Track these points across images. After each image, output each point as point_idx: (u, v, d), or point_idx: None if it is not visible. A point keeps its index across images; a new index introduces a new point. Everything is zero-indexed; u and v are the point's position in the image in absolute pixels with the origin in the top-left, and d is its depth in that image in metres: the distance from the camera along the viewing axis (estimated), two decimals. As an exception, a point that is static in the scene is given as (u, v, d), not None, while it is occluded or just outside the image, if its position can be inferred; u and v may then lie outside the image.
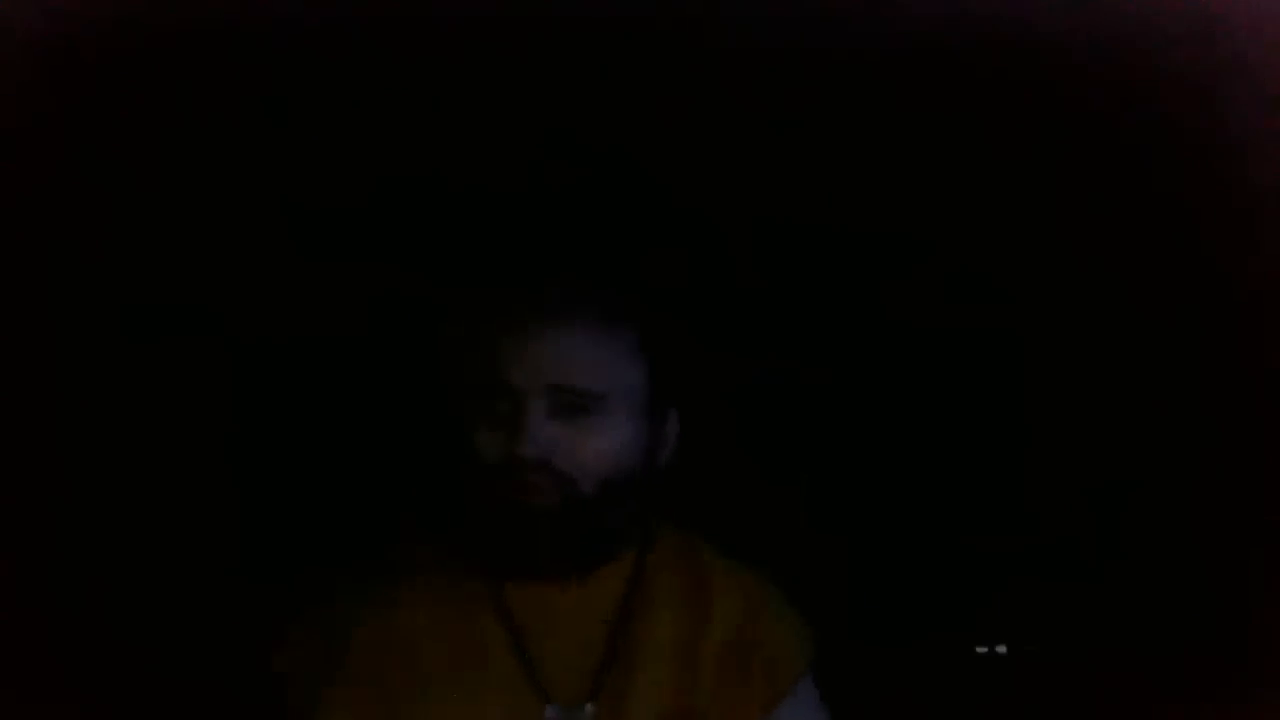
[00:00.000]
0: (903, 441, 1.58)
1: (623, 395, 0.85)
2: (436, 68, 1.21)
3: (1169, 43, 1.06)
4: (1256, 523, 1.21)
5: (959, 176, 1.36)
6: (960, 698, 1.48)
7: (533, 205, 1.35)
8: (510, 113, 1.28)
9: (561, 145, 1.32)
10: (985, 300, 1.51)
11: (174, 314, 1.38)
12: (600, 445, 0.83)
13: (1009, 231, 1.41)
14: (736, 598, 0.91)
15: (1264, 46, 1.04)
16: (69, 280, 1.25)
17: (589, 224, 1.33)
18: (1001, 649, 1.54)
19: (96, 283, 1.29)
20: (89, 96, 1.12)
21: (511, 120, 1.29)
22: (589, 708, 0.83)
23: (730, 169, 1.39)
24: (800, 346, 1.50)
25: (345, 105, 1.25)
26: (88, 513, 1.30)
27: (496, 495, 0.82)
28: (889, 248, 1.50)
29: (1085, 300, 1.43)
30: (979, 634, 1.55)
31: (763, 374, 1.49)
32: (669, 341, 0.89)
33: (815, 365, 1.52)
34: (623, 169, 1.36)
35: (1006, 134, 1.28)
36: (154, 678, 1.24)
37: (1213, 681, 1.17)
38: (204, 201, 1.33)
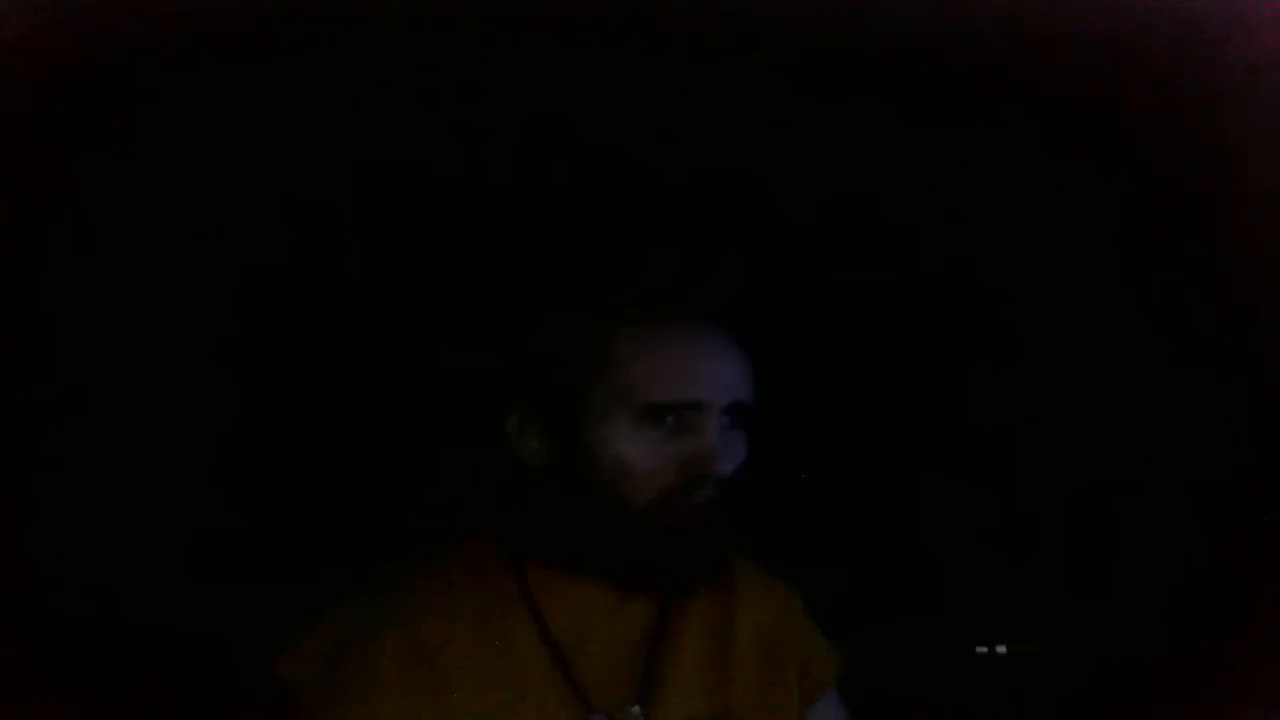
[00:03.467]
0: (900, 441, 1.58)
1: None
2: (452, 68, 1.21)
3: (1170, 42, 1.06)
4: (1255, 522, 1.21)
5: (957, 174, 1.36)
6: (960, 696, 1.48)
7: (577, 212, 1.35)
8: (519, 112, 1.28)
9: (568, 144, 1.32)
10: (985, 300, 1.51)
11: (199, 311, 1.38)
12: (742, 455, 0.85)
13: (1008, 230, 1.41)
14: (766, 606, 0.92)
15: (1264, 46, 1.04)
16: (69, 280, 1.24)
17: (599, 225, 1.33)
18: (1001, 649, 1.54)
19: (97, 282, 1.29)
20: (87, 95, 1.12)
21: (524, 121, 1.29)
22: (636, 710, 0.83)
23: (729, 165, 1.39)
24: (793, 343, 1.50)
25: (350, 104, 1.25)
26: (112, 513, 1.30)
27: (667, 510, 0.82)
28: (886, 245, 1.49)
29: (1084, 300, 1.43)
30: (979, 634, 1.55)
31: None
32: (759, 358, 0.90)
33: (809, 363, 1.52)
34: (620, 165, 1.36)
35: (1006, 132, 1.28)
36: (164, 682, 1.24)
37: (1212, 682, 1.17)
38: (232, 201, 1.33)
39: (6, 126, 1.05)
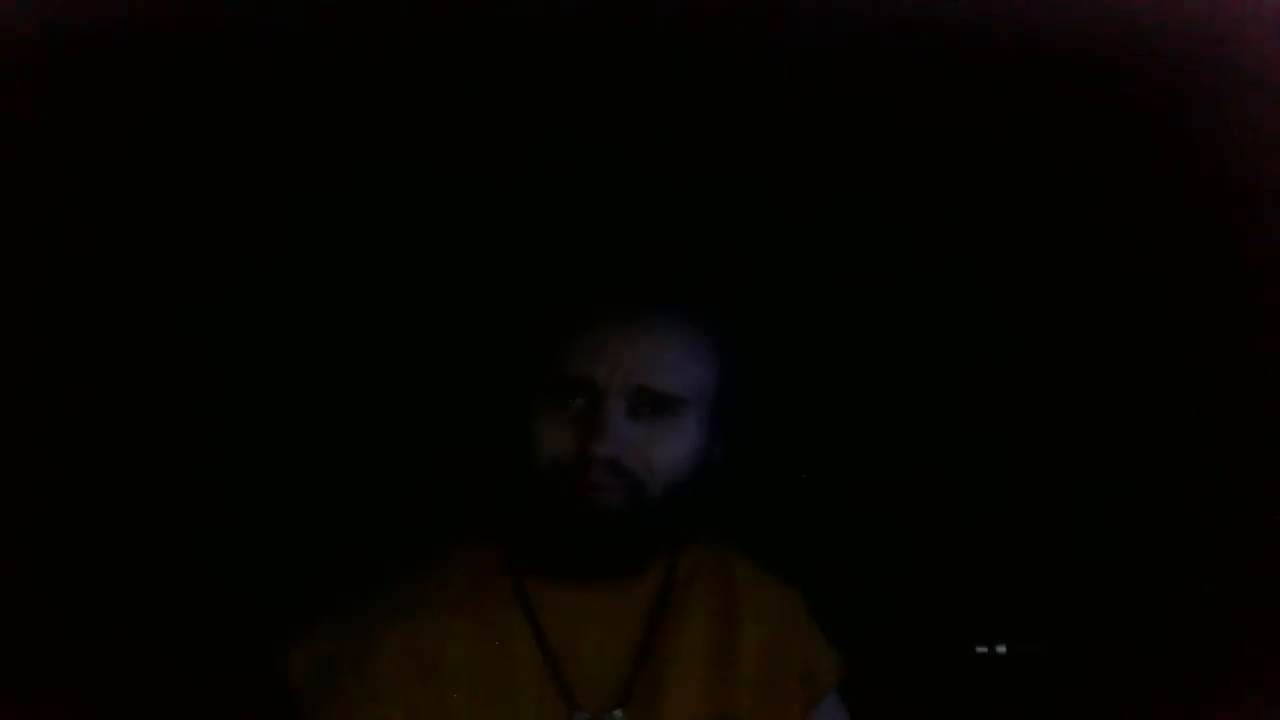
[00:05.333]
0: (898, 439, 1.58)
1: (697, 402, 0.85)
2: (444, 62, 1.21)
3: (1169, 42, 1.06)
4: (1255, 521, 1.21)
5: (956, 174, 1.36)
6: (960, 698, 1.48)
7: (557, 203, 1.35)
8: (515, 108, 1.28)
9: (563, 142, 1.32)
10: (985, 300, 1.51)
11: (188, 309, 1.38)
12: (673, 449, 0.84)
13: (1007, 231, 1.41)
14: (768, 607, 0.92)
15: (1264, 46, 1.04)
16: (68, 279, 1.24)
17: (592, 222, 1.33)
18: (1001, 649, 1.54)
19: (96, 281, 1.28)
20: (88, 93, 1.12)
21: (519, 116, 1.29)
22: (618, 714, 0.83)
23: (728, 165, 1.39)
24: (792, 340, 1.50)
25: (348, 100, 1.25)
26: (111, 513, 1.30)
27: (562, 493, 0.82)
28: (885, 245, 1.49)
29: (1084, 300, 1.43)
30: (979, 634, 1.55)
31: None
32: (736, 354, 0.90)
33: (808, 361, 1.52)
34: (618, 164, 1.36)
35: (1004, 132, 1.28)
36: (157, 683, 1.24)
37: (1213, 682, 1.17)
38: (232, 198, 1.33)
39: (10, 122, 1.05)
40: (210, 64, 1.14)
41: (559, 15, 1.10)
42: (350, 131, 1.29)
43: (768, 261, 1.44)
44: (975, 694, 1.50)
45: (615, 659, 0.85)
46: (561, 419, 0.83)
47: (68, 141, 1.15)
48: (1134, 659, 1.37)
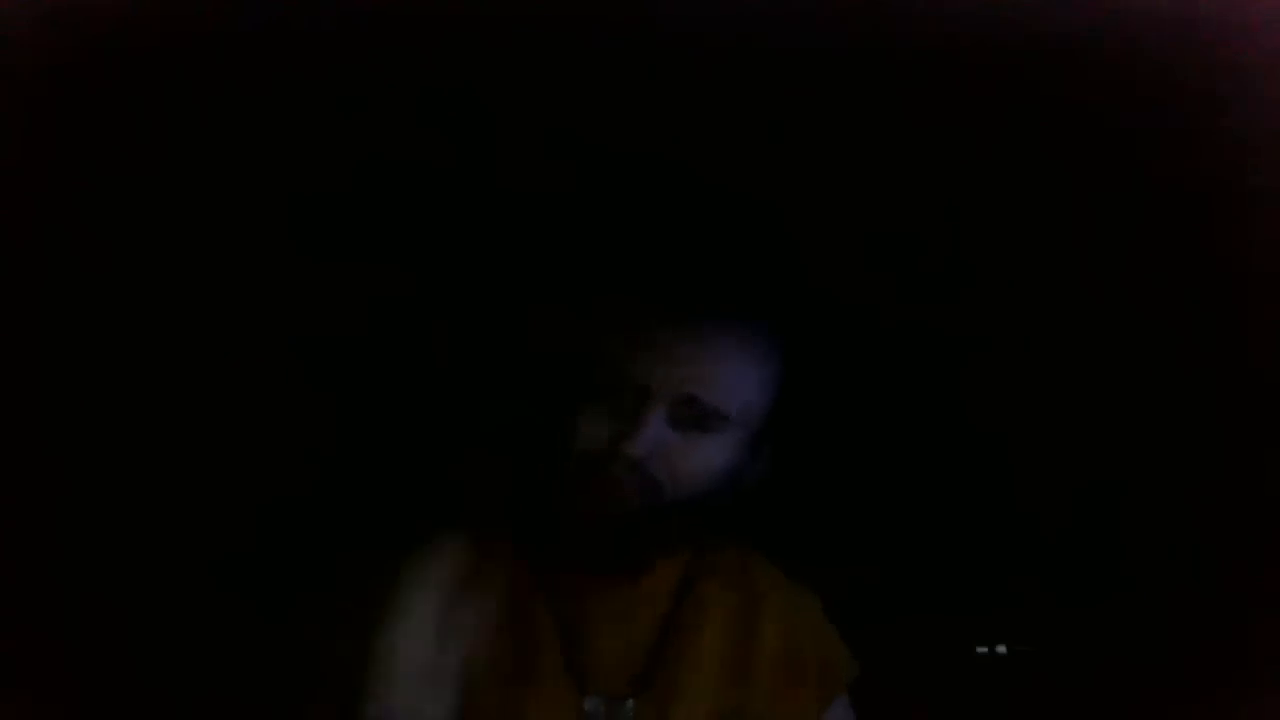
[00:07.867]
0: (897, 441, 1.58)
1: (742, 422, 0.85)
2: (463, 66, 1.20)
3: (1169, 43, 1.06)
4: (1256, 523, 1.22)
5: (954, 176, 1.36)
6: (960, 698, 1.48)
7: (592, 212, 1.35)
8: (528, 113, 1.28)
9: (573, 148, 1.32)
10: (984, 300, 1.51)
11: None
12: (703, 463, 0.84)
13: (1007, 232, 1.41)
14: (787, 608, 0.94)
15: (1264, 47, 1.04)
16: (68, 280, 1.24)
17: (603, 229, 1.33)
18: (1001, 649, 1.54)
19: (96, 282, 1.28)
20: (87, 96, 1.12)
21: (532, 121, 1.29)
22: (630, 703, 0.84)
23: (728, 171, 1.39)
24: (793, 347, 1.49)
25: (358, 104, 1.25)
26: (111, 511, 1.30)
27: (581, 486, 0.82)
28: (884, 246, 1.50)
29: (1084, 300, 1.43)
30: (979, 634, 1.55)
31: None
32: (796, 380, 0.90)
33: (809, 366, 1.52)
34: (619, 169, 1.36)
35: (1004, 133, 1.28)
36: (158, 681, 1.24)
37: (1214, 682, 1.17)
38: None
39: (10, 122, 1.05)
40: (212, 64, 1.14)
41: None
42: (372, 132, 1.29)
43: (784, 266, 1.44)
44: (975, 694, 1.50)
45: (631, 651, 0.86)
46: (602, 415, 0.83)
47: (67, 141, 1.15)
48: (1134, 659, 1.37)
